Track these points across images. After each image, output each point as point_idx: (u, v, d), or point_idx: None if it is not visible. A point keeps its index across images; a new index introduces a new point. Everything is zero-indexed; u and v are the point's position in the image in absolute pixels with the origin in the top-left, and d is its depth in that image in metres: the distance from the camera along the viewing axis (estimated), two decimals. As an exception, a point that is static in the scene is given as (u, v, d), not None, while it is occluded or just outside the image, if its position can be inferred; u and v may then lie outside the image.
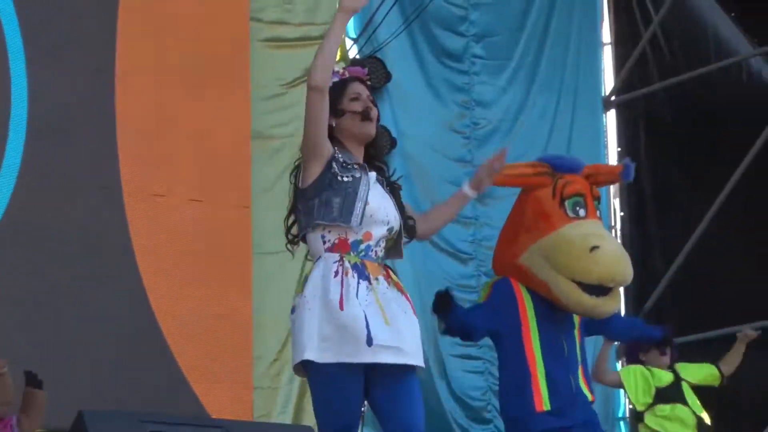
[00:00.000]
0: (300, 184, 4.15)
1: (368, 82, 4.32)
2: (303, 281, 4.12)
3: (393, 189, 4.23)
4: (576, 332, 4.76)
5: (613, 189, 10.84)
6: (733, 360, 7.48)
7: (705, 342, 9.52)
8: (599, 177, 4.85)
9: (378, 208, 4.11)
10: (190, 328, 7.49)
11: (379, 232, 4.12)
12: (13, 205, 7.32)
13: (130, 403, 6.97)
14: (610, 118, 11.04)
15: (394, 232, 4.17)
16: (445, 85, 10.04)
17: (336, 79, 4.23)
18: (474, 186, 4.44)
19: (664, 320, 10.41)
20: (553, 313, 4.70)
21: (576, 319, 4.76)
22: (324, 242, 4.10)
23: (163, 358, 7.45)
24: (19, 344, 6.76)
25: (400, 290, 4.13)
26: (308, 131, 4.09)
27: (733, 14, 11.69)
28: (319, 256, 4.10)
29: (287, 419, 8.13)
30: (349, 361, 3.96)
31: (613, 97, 11.01)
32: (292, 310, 4.11)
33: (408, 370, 4.07)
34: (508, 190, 9.93)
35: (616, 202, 10.85)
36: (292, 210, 4.23)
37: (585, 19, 10.90)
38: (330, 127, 4.16)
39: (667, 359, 7.27)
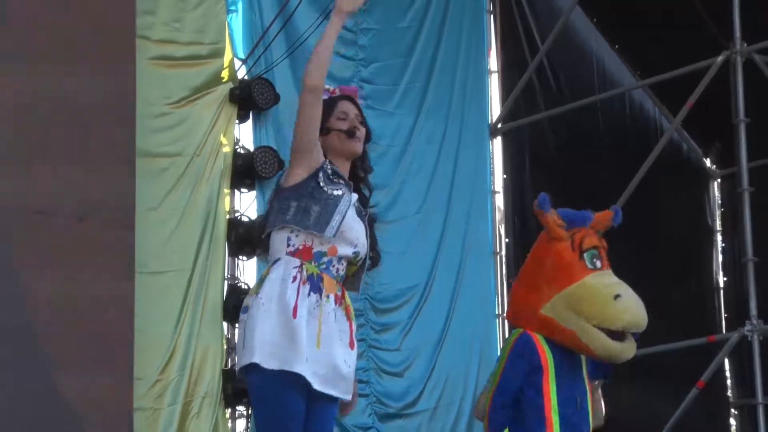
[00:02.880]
0: (282, 182, 4.17)
1: (360, 101, 4.42)
2: (259, 282, 4.09)
3: (368, 219, 4.26)
4: (586, 384, 4.97)
5: (498, 215, 10.94)
6: (597, 410, 7.40)
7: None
8: (599, 226, 5.06)
9: (351, 227, 4.12)
10: (72, 348, 7.35)
11: (345, 250, 4.12)
12: None
13: None
14: (497, 145, 11.14)
15: (359, 258, 4.18)
16: (333, 109, 10.03)
17: (325, 97, 4.27)
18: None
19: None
20: (569, 368, 4.91)
21: (584, 371, 4.96)
22: (288, 245, 4.08)
23: (43, 376, 7.30)
24: None
25: (348, 315, 4.14)
26: (300, 132, 4.13)
27: (617, 46, 11.93)
28: (279, 258, 4.07)
29: (170, 441, 8.06)
30: (289, 369, 3.94)
31: (499, 125, 11.10)
32: (244, 310, 4.06)
33: (335, 399, 4.13)
34: (396, 214, 10.07)
35: (501, 228, 10.94)
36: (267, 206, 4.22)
37: (472, 46, 11.00)
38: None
39: None
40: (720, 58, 10.23)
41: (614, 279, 4.90)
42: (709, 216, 12.66)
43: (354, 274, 4.26)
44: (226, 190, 9.13)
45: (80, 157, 7.60)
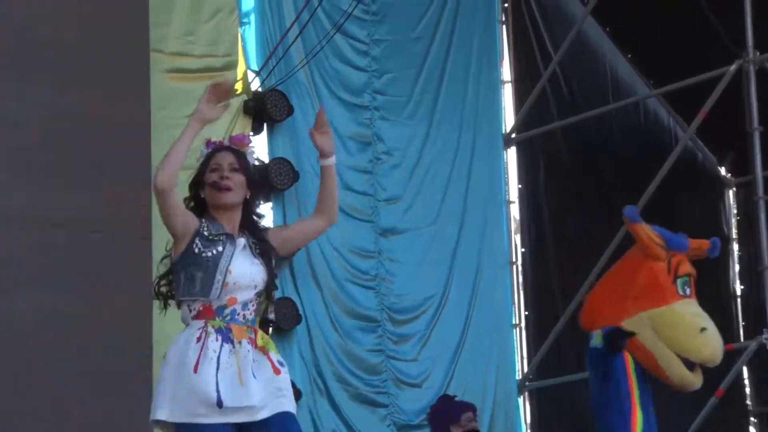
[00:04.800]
0: (172, 257, 4.42)
1: (250, 148, 4.53)
2: (168, 347, 4.37)
3: (264, 250, 4.41)
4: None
5: (514, 225, 10.93)
6: None
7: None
8: (692, 254, 5.07)
9: (243, 275, 4.31)
10: (89, 360, 7.35)
11: (245, 296, 4.32)
12: None
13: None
14: (511, 154, 11.12)
15: (263, 294, 4.38)
16: (346, 120, 10.04)
17: (208, 150, 4.50)
18: (322, 155, 4.54)
19: (564, 356, 10.50)
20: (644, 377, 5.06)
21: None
22: (191, 310, 4.34)
23: (62, 389, 7.30)
24: None
25: (264, 352, 4.33)
26: (167, 222, 4.37)
27: (630, 56, 11.91)
28: (187, 324, 4.35)
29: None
30: (199, 422, 4.19)
31: (513, 135, 11.09)
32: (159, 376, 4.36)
33: (285, 416, 4.30)
34: (410, 225, 10.06)
35: (517, 238, 10.92)
36: (166, 276, 4.47)
37: (485, 56, 10.99)
38: (202, 200, 4.44)
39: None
40: (733, 67, 10.21)
41: (700, 310, 4.93)
42: (725, 224, 12.61)
43: (267, 297, 4.45)
44: (242, 203, 9.11)
45: (97, 170, 7.61)
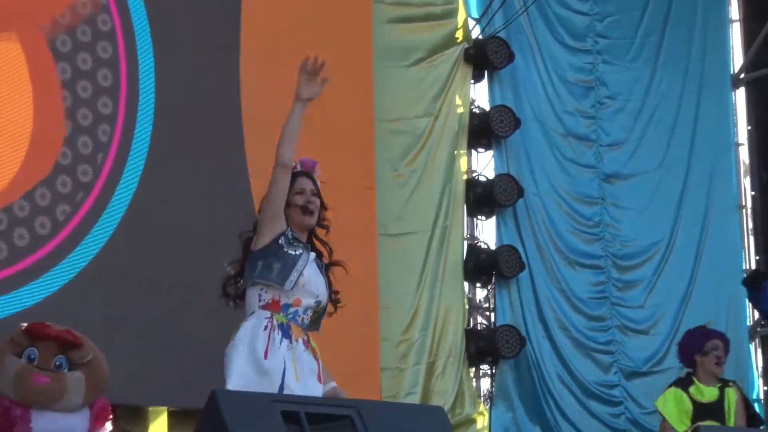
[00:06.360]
0: (252, 247, 4.79)
1: (316, 174, 4.93)
2: (236, 329, 4.73)
3: (327, 271, 4.91)
4: None
5: (743, 168, 10.65)
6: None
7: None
8: None
9: (311, 281, 4.78)
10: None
11: (308, 301, 4.77)
12: (139, 196, 7.42)
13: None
14: (740, 96, 10.82)
15: (321, 305, 4.85)
16: (568, 65, 9.93)
17: None
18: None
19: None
20: None
21: None
22: (260, 299, 4.76)
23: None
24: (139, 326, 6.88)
25: (315, 356, 4.78)
26: (269, 203, 4.76)
27: None
28: (253, 311, 4.75)
29: (415, 400, 8.13)
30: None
31: (742, 75, 10.79)
32: (226, 353, 4.72)
33: None
34: (635, 170, 9.90)
35: (746, 182, 10.65)
36: (240, 266, 4.85)
37: (711, -5, 10.71)
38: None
39: (721, 369, 7.11)
40: None
41: None
42: None
43: (317, 319, 4.86)
44: (463, 151, 9.16)
45: (321, 122, 7.78)
